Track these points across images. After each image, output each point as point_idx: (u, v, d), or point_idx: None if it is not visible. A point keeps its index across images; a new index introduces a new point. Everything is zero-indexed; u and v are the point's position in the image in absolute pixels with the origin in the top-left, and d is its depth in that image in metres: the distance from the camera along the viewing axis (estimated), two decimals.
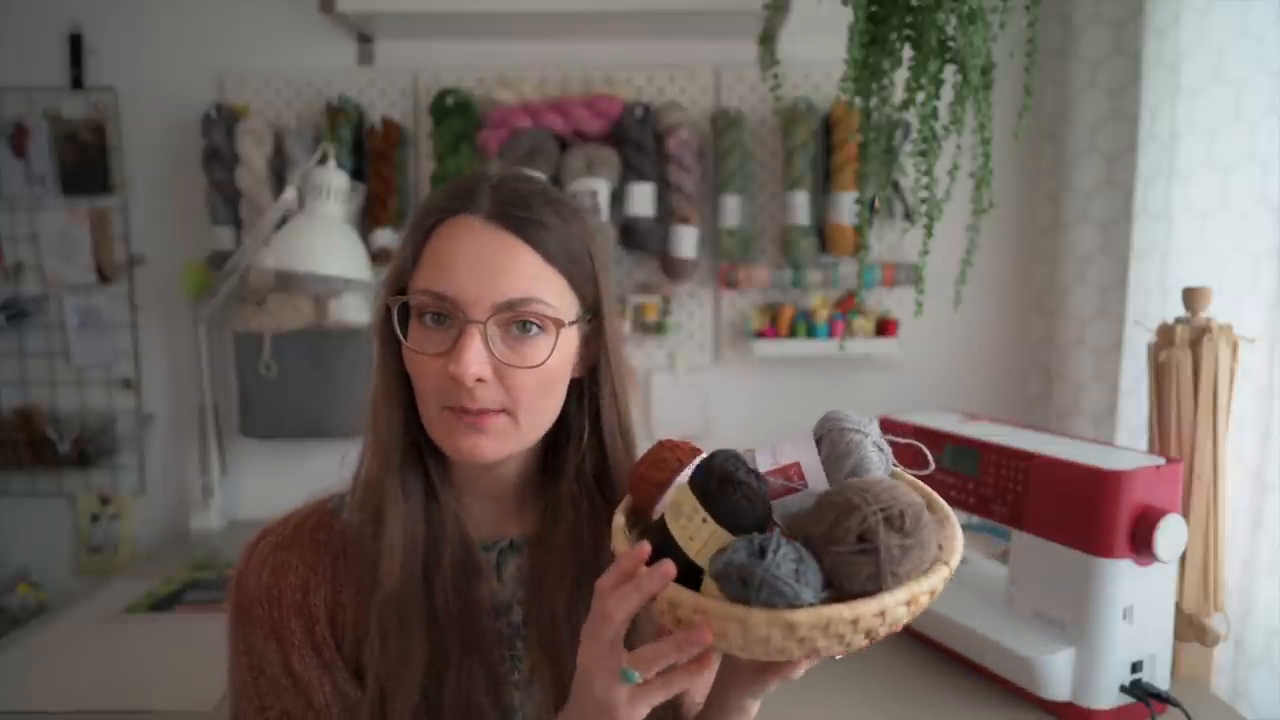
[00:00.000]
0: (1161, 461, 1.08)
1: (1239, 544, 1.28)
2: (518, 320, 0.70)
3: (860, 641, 0.55)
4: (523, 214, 0.71)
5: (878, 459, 0.63)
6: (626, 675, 0.59)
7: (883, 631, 0.55)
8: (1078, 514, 1.07)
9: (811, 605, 0.53)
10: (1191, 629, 1.18)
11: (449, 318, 0.70)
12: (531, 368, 0.70)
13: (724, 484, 0.58)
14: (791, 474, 0.62)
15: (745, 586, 0.53)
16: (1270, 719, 1.25)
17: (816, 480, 0.62)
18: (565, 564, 0.77)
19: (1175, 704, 1.07)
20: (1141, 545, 1.04)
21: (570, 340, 0.73)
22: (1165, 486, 1.06)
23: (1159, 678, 1.10)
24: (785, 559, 0.53)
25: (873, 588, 0.54)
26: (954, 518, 0.62)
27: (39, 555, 2.01)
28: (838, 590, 0.55)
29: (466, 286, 0.68)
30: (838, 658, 0.58)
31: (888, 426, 1.36)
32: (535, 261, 0.70)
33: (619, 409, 0.78)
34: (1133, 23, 1.55)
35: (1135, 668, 1.08)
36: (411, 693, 0.70)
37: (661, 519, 0.61)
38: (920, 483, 0.66)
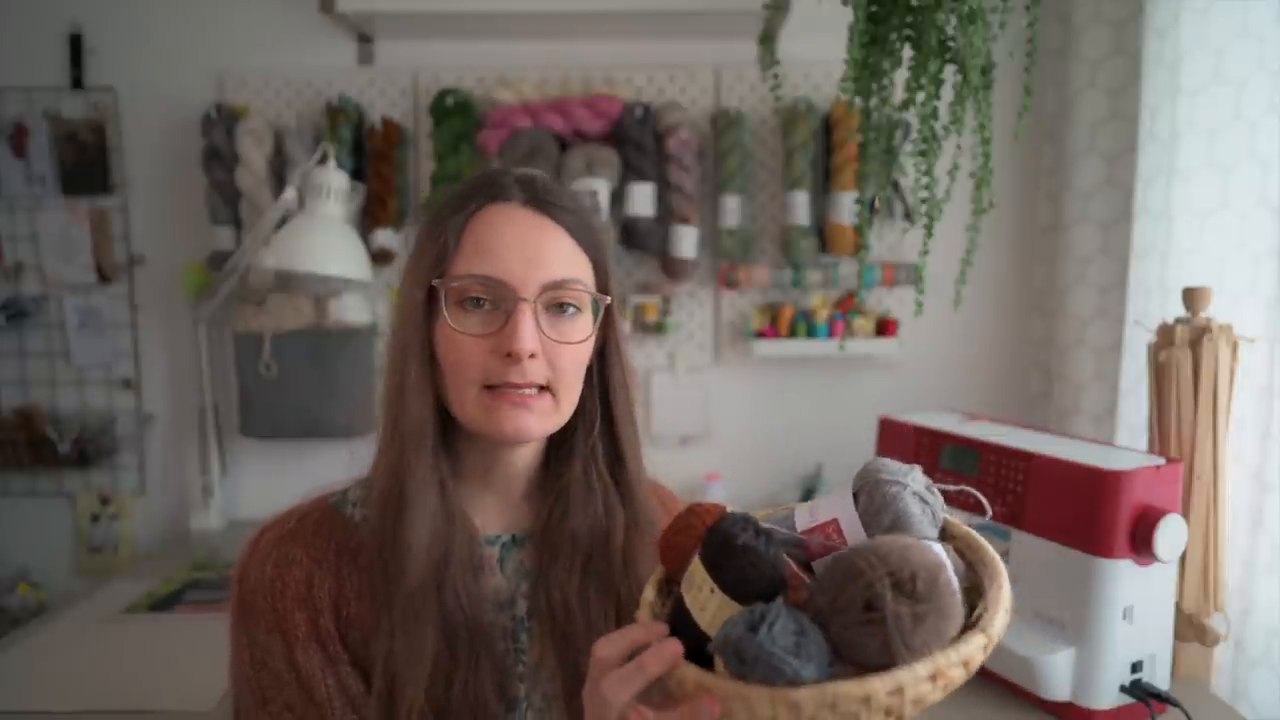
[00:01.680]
0: (1161, 461, 1.08)
1: (1239, 544, 1.28)
2: (558, 301, 0.74)
3: None
4: (555, 201, 0.76)
5: (920, 511, 0.58)
6: None
7: (909, 710, 0.49)
8: (1078, 514, 1.07)
9: (816, 682, 0.48)
10: (1191, 629, 1.18)
11: (492, 301, 0.72)
12: (574, 344, 0.74)
13: (727, 550, 0.55)
14: (830, 532, 0.58)
15: (741, 662, 0.50)
16: (1270, 719, 1.25)
17: (856, 537, 0.58)
18: (576, 548, 0.78)
19: (1175, 704, 1.07)
20: (1141, 545, 1.04)
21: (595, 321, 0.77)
22: (1165, 486, 1.06)
23: (1159, 678, 1.10)
24: (784, 632, 0.49)
25: (885, 661, 0.49)
26: (1005, 576, 0.55)
27: (39, 555, 2.01)
28: (849, 664, 0.50)
29: (515, 268, 0.72)
30: None
31: (887, 427, 1.38)
32: (570, 243, 0.75)
33: (627, 395, 0.81)
34: (1133, 23, 1.55)
35: (1135, 668, 1.08)
36: (420, 688, 0.70)
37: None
38: (974, 534, 0.60)
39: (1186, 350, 1.20)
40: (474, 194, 0.75)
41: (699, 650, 0.54)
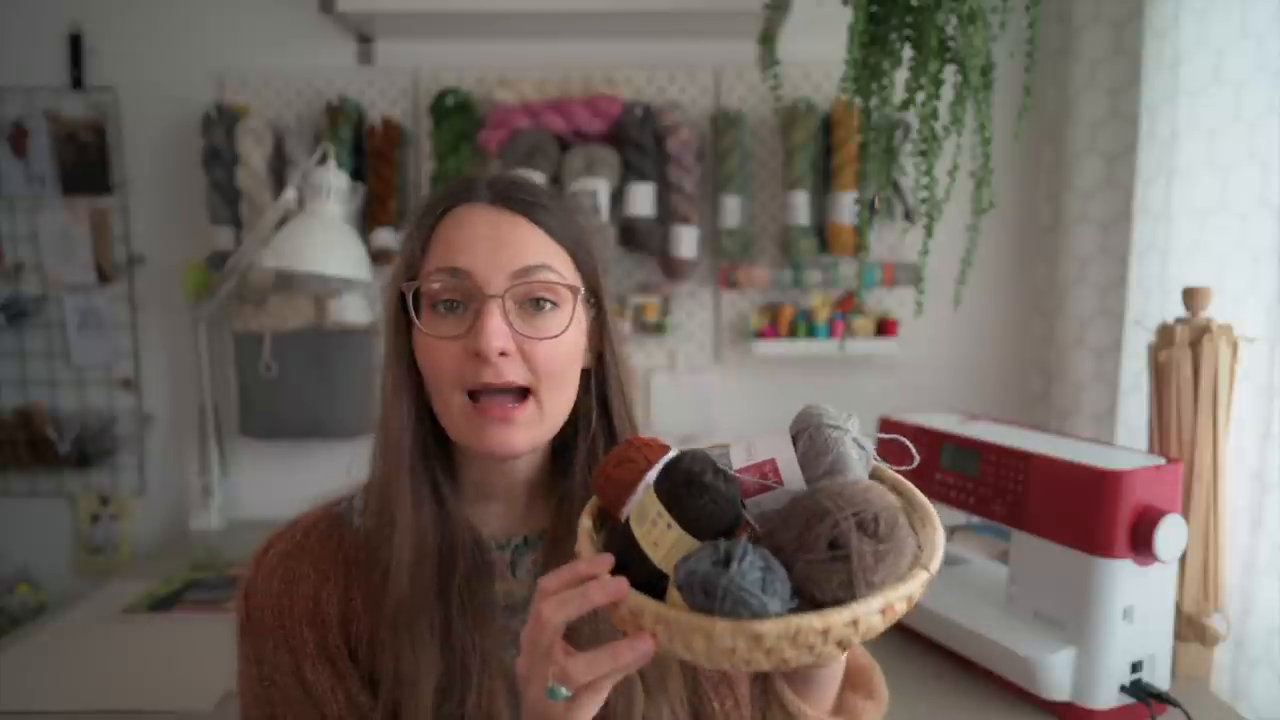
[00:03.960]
0: (1161, 461, 1.08)
1: (1239, 544, 1.28)
2: (532, 296, 0.72)
3: (832, 651, 0.53)
4: (525, 196, 0.74)
5: (857, 456, 0.61)
6: (552, 692, 0.56)
7: (856, 640, 0.53)
8: (1078, 514, 1.07)
9: (779, 615, 0.51)
10: (1191, 629, 1.18)
11: (463, 303, 0.71)
12: (550, 338, 0.71)
13: (689, 488, 0.56)
14: (767, 471, 0.59)
15: (709, 597, 0.51)
16: (1270, 719, 1.25)
17: (792, 478, 0.60)
18: None
19: (1175, 704, 1.07)
20: (1141, 545, 1.04)
21: (580, 317, 0.75)
22: (1165, 486, 1.06)
23: (1159, 678, 1.10)
24: (751, 568, 0.51)
25: (845, 596, 0.52)
26: (936, 517, 0.59)
27: (39, 555, 2.01)
28: (808, 598, 0.53)
29: (480, 261, 0.70)
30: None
31: (887, 427, 1.38)
32: (542, 237, 0.73)
33: (625, 397, 0.79)
34: (1133, 23, 1.55)
35: (1135, 668, 1.08)
36: (425, 700, 0.69)
37: (627, 523, 0.59)
38: (902, 479, 0.64)
39: (1186, 350, 1.20)
40: (444, 197, 0.75)
41: (644, 584, 0.55)
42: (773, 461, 0.60)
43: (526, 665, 0.59)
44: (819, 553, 0.52)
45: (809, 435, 0.61)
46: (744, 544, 0.53)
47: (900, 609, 0.53)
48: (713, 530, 0.55)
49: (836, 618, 0.51)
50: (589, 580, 0.57)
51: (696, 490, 0.55)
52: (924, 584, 0.54)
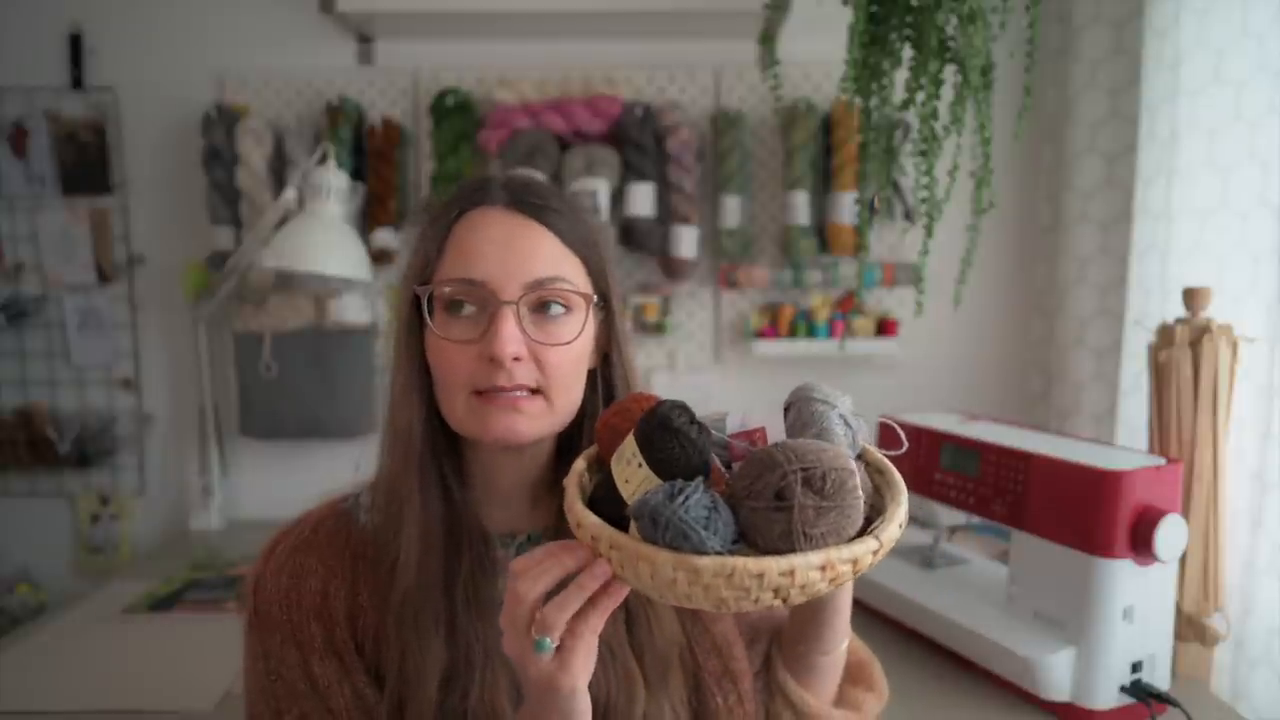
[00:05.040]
0: (1161, 461, 1.08)
1: (1239, 544, 1.28)
2: (545, 302, 0.72)
3: (769, 599, 0.54)
4: (538, 201, 0.74)
5: (842, 433, 0.62)
6: (539, 646, 0.58)
7: (794, 594, 0.54)
8: (1078, 514, 1.07)
9: (718, 554, 0.53)
10: (1191, 629, 1.18)
11: (476, 306, 0.72)
12: (563, 345, 0.72)
13: (662, 430, 0.59)
14: (756, 438, 0.62)
15: (655, 526, 0.54)
16: (1270, 719, 1.25)
17: None
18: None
19: (1175, 704, 1.07)
20: (1141, 545, 1.04)
21: (591, 321, 0.76)
22: (1165, 486, 1.06)
23: (1159, 678, 1.10)
24: (698, 505, 0.54)
25: (785, 547, 0.54)
26: (904, 498, 0.60)
27: (39, 555, 2.01)
28: (751, 544, 0.55)
29: (495, 269, 0.71)
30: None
31: (887, 428, 1.38)
32: (555, 243, 0.74)
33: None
34: (1133, 23, 1.55)
35: (1135, 668, 1.08)
36: (429, 693, 0.70)
37: (611, 463, 0.62)
38: (886, 462, 0.64)
39: (1186, 350, 1.20)
40: (458, 199, 0.75)
41: (617, 521, 0.58)
42: (762, 430, 0.62)
43: (513, 645, 0.60)
44: (765, 501, 0.54)
45: (798, 407, 0.63)
46: (696, 484, 0.56)
47: (843, 571, 0.54)
48: (678, 473, 0.58)
49: (772, 564, 0.53)
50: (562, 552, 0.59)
51: (669, 434, 0.58)
52: (871, 552, 0.55)
